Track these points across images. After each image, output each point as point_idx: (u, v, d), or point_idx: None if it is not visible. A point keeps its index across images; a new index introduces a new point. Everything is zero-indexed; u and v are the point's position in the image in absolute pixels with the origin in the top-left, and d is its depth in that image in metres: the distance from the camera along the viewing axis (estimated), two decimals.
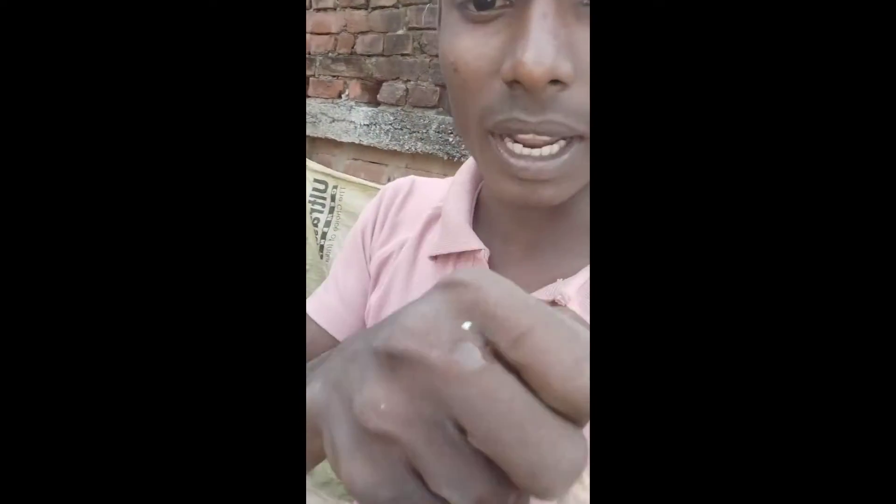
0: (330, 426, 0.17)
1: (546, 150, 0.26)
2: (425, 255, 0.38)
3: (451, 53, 0.26)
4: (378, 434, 0.15)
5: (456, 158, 1.46)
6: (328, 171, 1.79)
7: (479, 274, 0.15)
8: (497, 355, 0.14)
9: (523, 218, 0.35)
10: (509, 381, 0.13)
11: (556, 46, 0.23)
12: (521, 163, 0.26)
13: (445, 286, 0.15)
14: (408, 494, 0.15)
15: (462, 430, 0.14)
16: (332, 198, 1.82)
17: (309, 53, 1.82)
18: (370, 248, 0.43)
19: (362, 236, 0.44)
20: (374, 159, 1.77)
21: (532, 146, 0.26)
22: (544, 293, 0.32)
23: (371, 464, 0.15)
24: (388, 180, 1.67)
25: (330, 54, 1.78)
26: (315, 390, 0.20)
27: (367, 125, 1.69)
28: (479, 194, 0.39)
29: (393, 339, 0.15)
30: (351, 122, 1.74)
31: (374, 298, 0.40)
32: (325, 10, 1.77)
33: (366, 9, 1.68)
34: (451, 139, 1.47)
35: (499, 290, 0.14)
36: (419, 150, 1.59)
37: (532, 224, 0.35)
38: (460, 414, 0.13)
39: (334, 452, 0.16)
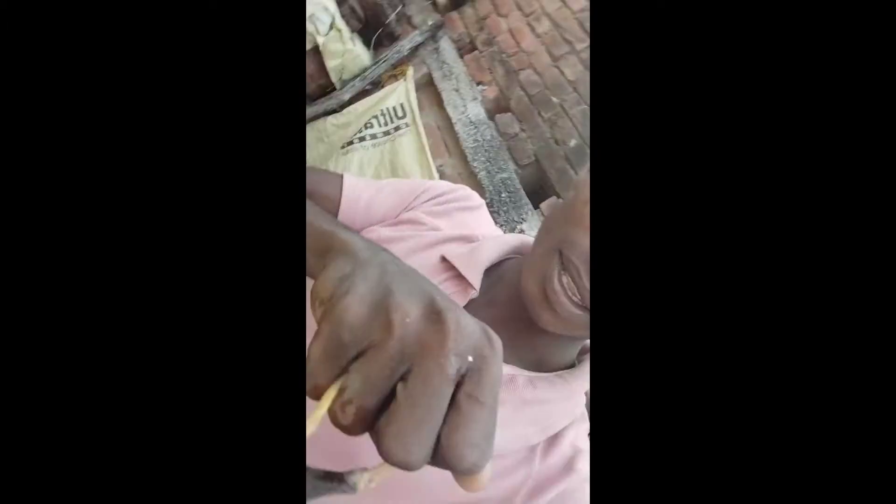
0: (361, 271, 0.20)
1: (566, 307, 0.34)
2: (439, 251, 0.44)
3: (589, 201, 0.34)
4: (388, 322, 0.18)
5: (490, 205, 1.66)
6: (416, 110, 1.94)
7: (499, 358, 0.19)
8: (460, 383, 0.18)
9: (511, 312, 0.40)
10: (446, 392, 0.18)
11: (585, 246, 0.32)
12: (557, 286, 0.34)
13: (490, 339, 0.19)
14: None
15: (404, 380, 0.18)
16: (396, 128, 1.93)
17: (495, 37, 1.99)
18: (417, 203, 0.49)
19: (421, 191, 0.50)
20: (446, 141, 1.94)
21: (571, 290, 0.34)
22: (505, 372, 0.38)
23: (367, 320, 0.18)
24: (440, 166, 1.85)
25: (504, 54, 1.97)
26: (359, 243, 0.23)
27: (471, 122, 1.88)
28: (504, 262, 0.45)
29: (450, 311, 0.19)
30: (465, 107, 1.91)
31: (385, 233, 0.46)
32: (532, 28, 1.96)
33: (554, 60, 1.88)
34: (503, 196, 1.67)
35: (497, 370, 0.19)
36: (477, 175, 1.77)
37: (510, 325, 0.40)
38: (410, 374, 0.18)
39: (348, 288, 0.19)
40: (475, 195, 0.53)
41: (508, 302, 0.41)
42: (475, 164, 1.77)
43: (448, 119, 1.92)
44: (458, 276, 0.42)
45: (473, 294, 0.41)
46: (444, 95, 1.96)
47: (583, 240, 0.33)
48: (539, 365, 0.40)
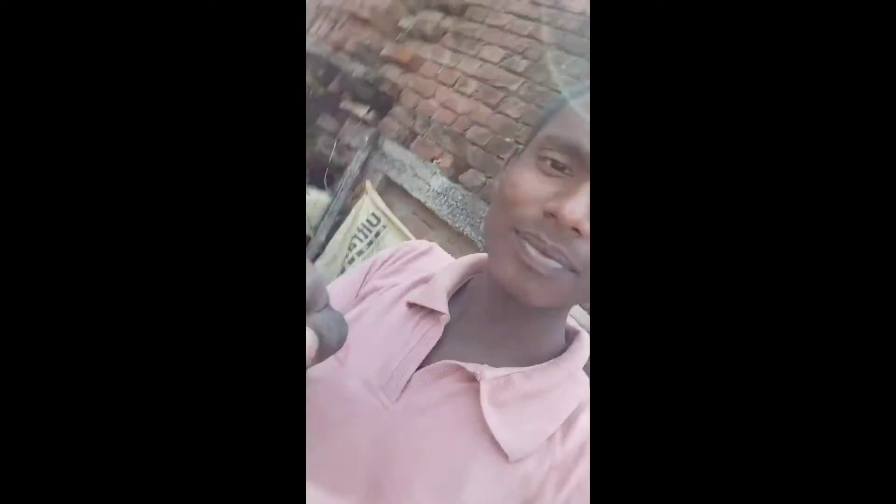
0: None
1: (548, 264, 0.35)
2: (404, 300, 0.46)
3: (519, 180, 0.36)
4: None
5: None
6: (387, 211, 1.91)
7: None
8: None
9: (488, 314, 0.43)
10: None
11: (586, 211, 0.33)
12: (529, 258, 0.35)
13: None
14: None
15: None
16: (377, 234, 1.93)
17: (430, 117, 2.04)
18: (371, 275, 0.52)
19: (370, 265, 0.53)
20: (426, 220, 1.87)
21: (542, 254, 0.35)
22: (469, 366, 0.39)
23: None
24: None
25: (444, 126, 1.98)
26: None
27: (439, 193, 1.82)
28: (468, 283, 0.48)
29: None
30: (428, 184, 1.87)
31: (352, 313, 0.48)
32: (462, 93, 2.01)
33: (494, 108, 1.88)
34: None
35: None
36: (464, 233, 1.66)
37: (488, 322, 0.43)
38: None
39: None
40: (422, 242, 0.55)
41: (483, 312, 0.43)
42: (458, 225, 1.69)
43: (418, 202, 1.87)
44: (428, 312, 0.44)
45: (446, 319, 0.42)
46: (406, 185, 1.94)
47: (525, 210, 0.35)
48: (531, 360, 0.41)
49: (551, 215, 0.34)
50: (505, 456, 0.37)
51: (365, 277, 0.52)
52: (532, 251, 0.35)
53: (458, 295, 0.46)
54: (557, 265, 0.35)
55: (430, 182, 1.87)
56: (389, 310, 0.46)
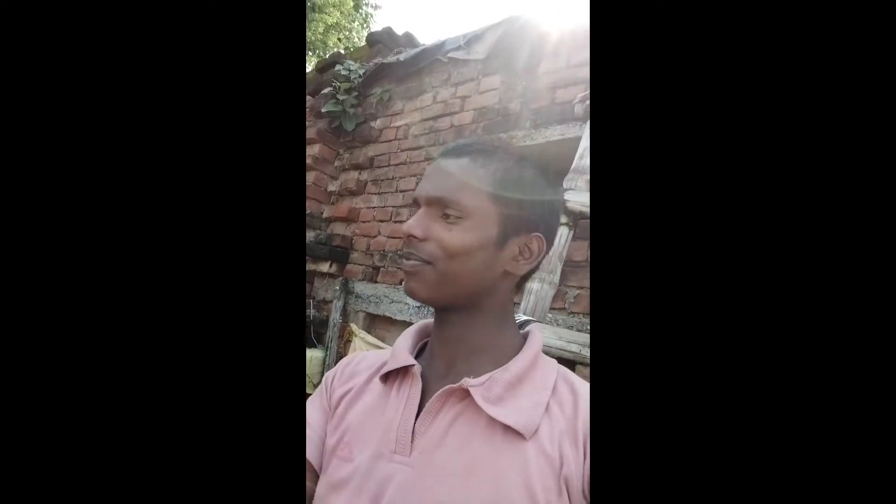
0: None
1: (408, 264, 0.49)
2: (376, 380, 0.53)
3: (404, 226, 0.50)
4: None
5: None
6: (378, 343, 2.11)
7: None
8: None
9: (443, 344, 0.52)
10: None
11: (415, 223, 0.49)
12: (401, 265, 0.50)
13: None
14: None
15: None
16: None
17: (384, 249, 2.35)
18: (331, 388, 0.57)
19: (324, 384, 0.58)
20: None
21: (405, 259, 0.50)
22: (454, 386, 0.46)
23: None
24: None
25: (397, 251, 2.29)
26: None
27: (418, 307, 2.06)
28: (426, 345, 0.56)
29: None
30: (406, 303, 2.12)
31: (332, 424, 0.53)
32: (399, 221, 2.36)
33: None
34: None
35: None
36: None
37: (449, 348, 0.51)
38: None
39: None
40: (358, 353, 0.62)
41: (440, 348, 0.52)
42: None
43: (404, 322, 2.08)
44: (402, 374, 0.51)
45: (418, 368, 0.50)
46: (388, 312, 2.16)
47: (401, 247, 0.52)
48: (501, 362, 0.49)
49: (402, 237, 0.50)
50: (521, 436, 0.42)
51: (326, 393, 0.57)
52: (401, 261, 0.51)
53: (419, 356, 0.55)
54: (415, 261, 0.48)
55: (406, 301, 2.11)
56: (364, 398, 0.52)
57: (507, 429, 0.42)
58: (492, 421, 0.43)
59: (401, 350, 0.53)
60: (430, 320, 0.56)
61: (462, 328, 0.50)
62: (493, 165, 0.49)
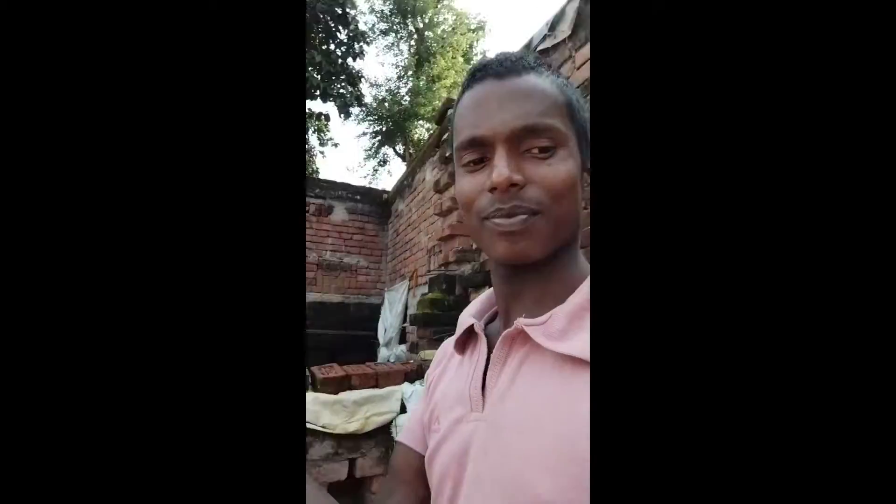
0: None
1: (516, 220, 0.41)
2: (456, 355, 0.52)
3: (460, 190, 0.44)
4: None
5: None
6: None
7: None
8: None
9: (516, 299, 0.46)
10: None
11: (509, 169, 0.40)
12: (503, 226, 0.41)
13: None
14: None
15: None
16: None
17: None
18: (428, 377, 0.57)
19: (427, 377, 0.58)
20: None
21: (508, 217, 0.41)
22: (511, 330, 0.43)
23: None
24: None
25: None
26: None
27: None
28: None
29: None
30: None
31: (427, 406, 0.53)
32: None
33: None
34: None
35: None
36: None
37: (523, 302, 0.46)
38: None
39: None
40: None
41: (511, 305, 0.47)
42: None
43: None
44: (470, 340, 0.50)
45: (478, 324, 0.48)
46: None
47: (477, 203, 0.43)
48: (542, 307, 0.44)
49: (493, 190, 0.40)
50: (587, 364, 0.37)
51: (426, 382, 0.57)
52: (501, 221, 0.40)
53: (492, 323, 0.51)
54: (522, 215, 0.40)
55: None
56: (447, 372, 0.52)
57: (576, 361, 0.38)
58: (558, 357, 0.40)
59: (464, 316, 0.51)
60: (490, 293, 0.52)
61: (544, 280, 0.44)
62: (559, 80, 0.44)
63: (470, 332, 0.49)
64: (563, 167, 0.41)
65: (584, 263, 0.47)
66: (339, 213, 5.09)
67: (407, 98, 7.24)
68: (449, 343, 0.55)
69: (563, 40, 2.07)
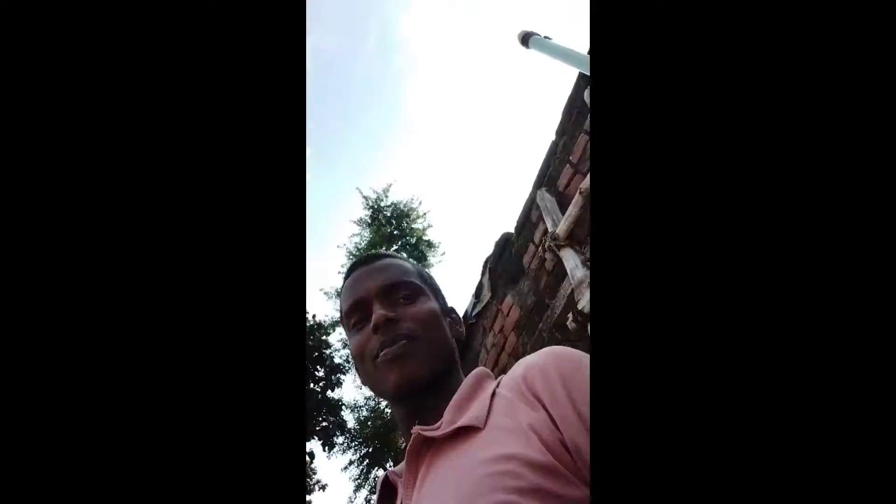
0: None
1: (398, 346, 0.50)
2: None
3: (355, 342, 0.53)
4: None
5: None
6: None
7: None
8: None
9: (412, 419, 0.49)
10: None
11: (384, 310, 0.51)
12: (388, 354, 0.50)
13: None
14: None
15: None
16: None
17: None
18: None
19: None
20: None
21: (391, 345, 0.50)
22: (412, 441, 0.46)
23: None
24: None
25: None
26: None
27: None
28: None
29: None
30: None
31: None
32: None
33: None
34: None
35: None
36: None
37: (416, 420, 0.49)
38: None
39: None
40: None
41: (406, 434, 0.51)
42: None
43: None
44: (388, 492, 0.52)
45: (391, 473, 0.53)
46: None
47: (365, 349, 0.52)
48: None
49: (375, 330, 0.50)
50: (478, 428, 0.42)
51: None
52: (386, 351, 0.50)
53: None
54: (402, 341, 0.50)
55: None
56: None
57: (467, 430, 0.43)
58: (452, 438, 0.43)
59: (380, 477, 0.53)
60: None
61: (434, 401, 0.50)
62: (404, 260, 0.61)
63: (385, 484, 0.52)
64: (426, 305, 0.54)
65: (462, 378, 0.53)
66: None
67: (388, 411, 7.40)
68: None
69: (488, 301, 2.58)
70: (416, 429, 0.46)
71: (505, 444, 0.39)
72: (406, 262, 0.59)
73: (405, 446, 0.48)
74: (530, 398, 0.42)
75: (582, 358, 0.43)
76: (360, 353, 0.52)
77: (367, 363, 0.52)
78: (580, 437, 0.38)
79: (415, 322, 0.52)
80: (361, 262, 0.59)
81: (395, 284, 0.54)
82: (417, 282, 0.56)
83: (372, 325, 0.51)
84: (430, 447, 0.45)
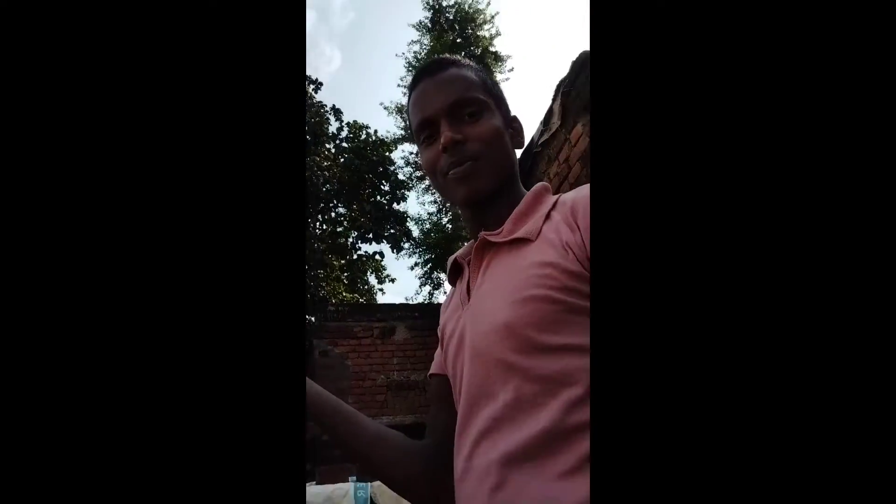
0: None
1: (465, 167, 0.55)
2: (450, 293, 0.63)
3: (426, 156, 0.58)
4: None
5: None
6: None
7: None
8: None
9: (477, 223, 0.59)
10: None
11: (451, 132, 0.55)
12: (457, 173, 0.55)
13: None
14: None
15: None
16: None
17: None
18: (441, 320, 0.65)
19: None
20: None
21: (459, 165, 0.55)
22: (477, 241, 0.56)
23: None
24: None
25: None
26: None
27: None
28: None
29: None
30: None
31: (440, 332, 0.64)
32: None
33: None
34: None
35: None
36: None
37: (481, 224, 0.58)
38: None
39: None
40: None
41: (472, 234, 0.61)
42: None
43: None
44: (459, 272, 0.63)
45: (459, 254, 0.63)
46: None
47: (435, 166, 0.57)
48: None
49: (444, 149, 0.54)
50: (529, 240, 0.52)
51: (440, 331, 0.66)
52: (454, 171, 0.55)
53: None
54: (468, 162, 0.54)
55: None
56: (448, 307, 0.63)
57: (522, 241, 0.53)
58: (509, 244, 0.53)
59: (449, 260, 0.63)
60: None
61: (497, 208, 0.57)
62: (470, 68, 0.61)
63: (454, 266, 0.62)
64: (490, 123, 0.57)
65: (522, 191, 0.60)
66: (401, 333, 5.38)
67: (449, 226, 7.95)
68: (445, 299, 0.67)
69: (557, 129, 2.50)
70: (482, 234, 0.56)
71: (547, 254, 0.49)
72: (470, 72, 0.60)
73: (473, 242, 0.58)
74: (572, 222, 0.51)
75: None
76: (431, 169, 0.58)
77: (439, 177, 0.58)
78: None
79: (480, 142, 0.55)
80: (426, 72, 0.60)
81: (460, 101, 0.56)
82: (482, 96, 0.58)
83: (441, 146, 0.55)
84: (492, 248, 0.55)
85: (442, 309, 0.67)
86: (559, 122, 2.46)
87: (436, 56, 0.68)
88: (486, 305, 0.52)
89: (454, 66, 0.60)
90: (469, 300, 0.56)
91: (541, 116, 2.61)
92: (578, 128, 2.31)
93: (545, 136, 2.59)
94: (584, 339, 0.45)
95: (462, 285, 0.59)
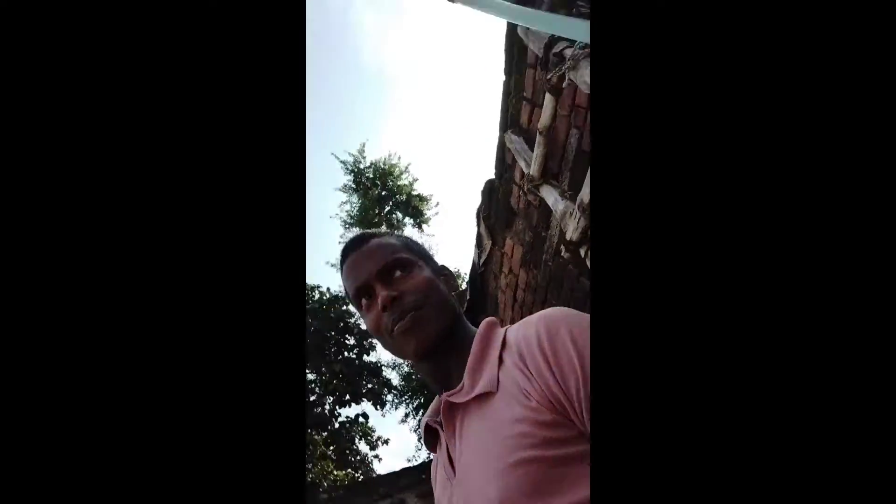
0: None
1: (407, 319, 0.57)
2: (435, 461, 0.62)
3: (369, 321, 0.60)
4: None
5: None
6: None
7: None
8: None
9: (436, 376, 0.60)
10: None
11: (388, 290, 0.58)
12: (402, 327, 0.57)
13: None
14: None
15: None
16: None
17: None
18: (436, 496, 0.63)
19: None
20: None
21: (402, 320, 0.57)
22: (441, 405, 0.56)
23: None
24: None
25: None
26: None
27: None
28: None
29: None
30: None
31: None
32: None
33: None
34: None
35: None
36: None
37: (440, 376, 0.60)
38: None
39: None
40: None
41: (435, 388, 0.62)
42: None
43: None
44: (431, 436, 0.63)
45: (427, 419, 0.63)
46: None
47: (378, 324, 0.60)
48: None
49: (384, 309, 0.57)
50: (492, 393, 0.50)
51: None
52: (400, 324, 0.57)
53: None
54: (410, 313, 0.57)
55: None
56: (437, 479, 0.61)
57: (485, 395, 0.51)
58: (476, 401, 0.52)
59: (422, 421, 0.63)
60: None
61: (448, 355, 0.59)
62: (390, 235, 0.66)
63: (427, 430, 0.61)
64: (420, 275, 0.60)
65: (471, 329, 0.62)
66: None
67: None
68: (432, 467, 0.66)
69: (491, 248, 2.68)
70: (444, 396, 0.56)
71: (514, 410, 0.48)
72: (392, 238, 0.65)
73: (439, 400, 0.58)
74: (524, 368, 0.50)
75: (561, 319, 0.51)
76: (377, 329, 0.60)
77: (386, 336, 0.59)
78: (559, 392, 0.46)
79: (417, 293, 0.58)
80: (352, 247, 0.64)
81: (388, 265, 0.60)
82: (407, 255, 0.62)
83: (381, 306, 0.58)
84: (458, 409, 0.55)
85: (433, 481, 0.65)
86: (490, 242, 2.66)
87: (358, 232, 0.71)
88: (473, 482, 0.50)
89: (375, 238, 0.65)
90: (455, 473, 0.54)
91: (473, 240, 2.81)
92: (508, 241, 2.50)
93: (483, 257, 2.76)
94: (584, 491, 0.42)
95: (443, 454, 0.58)
